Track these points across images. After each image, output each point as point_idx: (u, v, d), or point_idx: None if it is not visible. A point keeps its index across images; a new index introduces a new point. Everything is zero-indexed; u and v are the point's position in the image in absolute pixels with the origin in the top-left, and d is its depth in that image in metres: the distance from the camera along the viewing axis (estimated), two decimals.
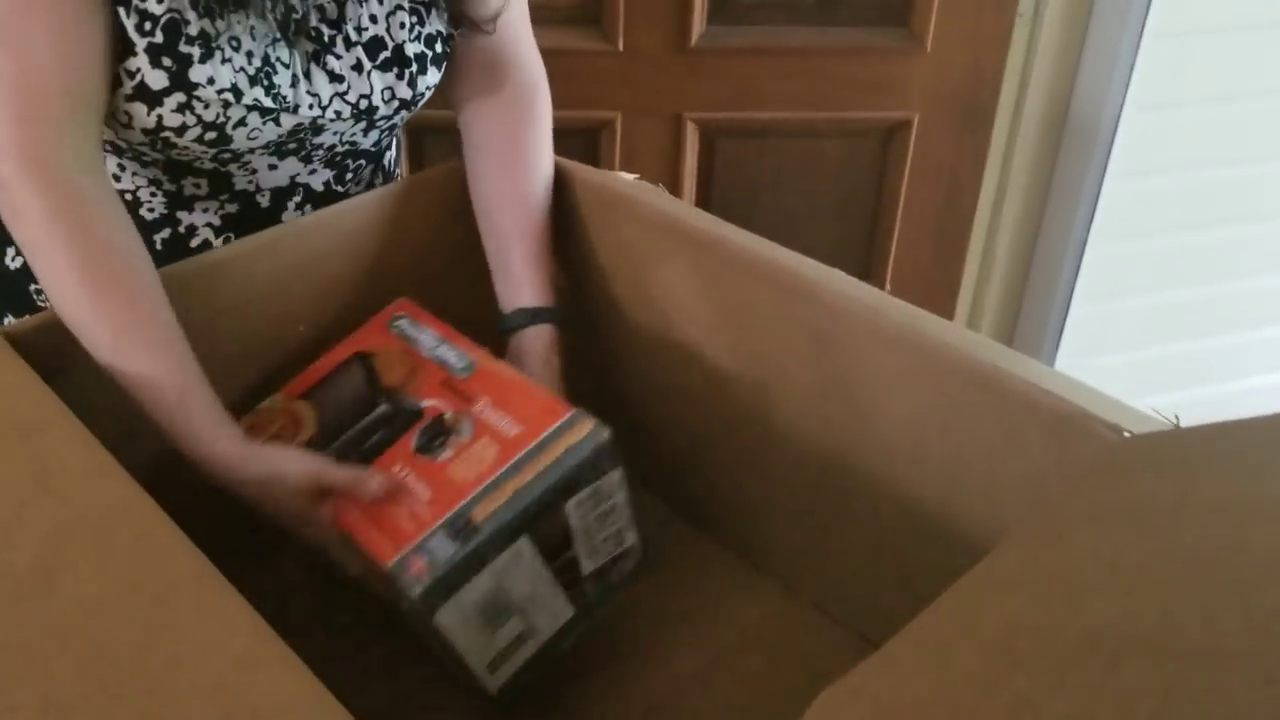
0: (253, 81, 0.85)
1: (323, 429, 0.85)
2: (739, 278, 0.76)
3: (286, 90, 0.87)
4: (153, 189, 0.93)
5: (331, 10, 0.89)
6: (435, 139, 1.47)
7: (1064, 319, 1.72)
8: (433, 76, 0.94)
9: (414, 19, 0.94)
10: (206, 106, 0.84)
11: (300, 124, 0.89)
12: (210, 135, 0.86)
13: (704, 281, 0.79)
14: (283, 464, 0.79)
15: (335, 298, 0.89)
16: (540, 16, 1.35)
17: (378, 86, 0.92)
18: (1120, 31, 1.47)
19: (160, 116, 0.84)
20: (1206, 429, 0.48)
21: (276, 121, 0.88)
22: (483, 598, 0.75)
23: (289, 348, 0.87)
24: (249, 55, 0.85)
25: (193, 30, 0.82)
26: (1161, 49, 1.49)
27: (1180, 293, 1.77)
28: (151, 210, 0.94)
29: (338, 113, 0.91)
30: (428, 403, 0.84)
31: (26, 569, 0.52)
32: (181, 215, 0.95)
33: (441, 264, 0.95)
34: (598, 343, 0.91)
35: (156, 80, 0.82)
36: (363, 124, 0.94)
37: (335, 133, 0.93)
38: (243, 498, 0.79)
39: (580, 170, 0.93)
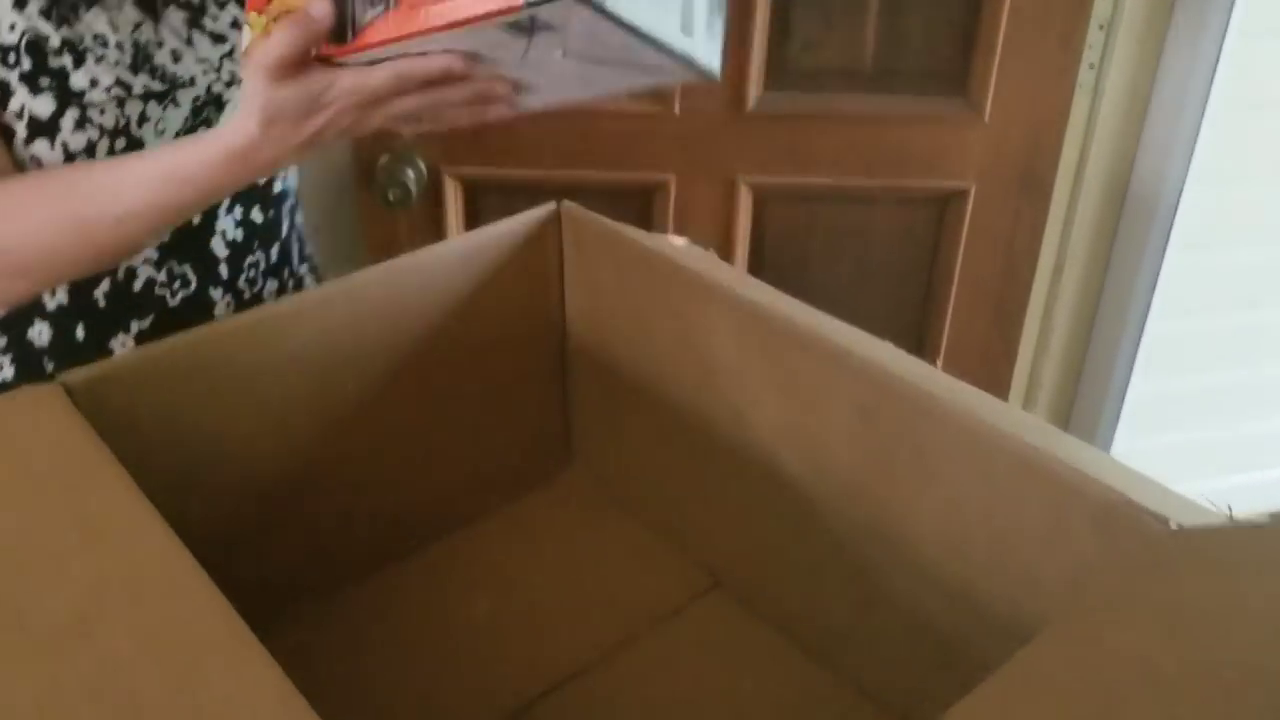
0: (135, 69, 0.86)
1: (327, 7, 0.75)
2: (785, 347, 0.75)
3: (172, 67, 0.87)
4: None
5: None
6: (490, 196, 1.49)
7: (1123, 393, 1.69)
8: None
9: None
10: (102, 112, 0.85)
11: (198, 97, 0.89)
12: (120, 143, 0.86)
13: (749, 350, 0.79)
14: (268, 80, 0.73)
15: (382, 357, 0.89)
16: None
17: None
18: (1183, 102, 1.46)
19: (65, 144, 0.84)
20: (1260, 524, 0.47)
21: (175, 101, 0.88)
22: None
23: (344, 401, 0.87)
24: (119, 47, 0.85)
25: (55, 43, 0.82)
26: (1226, 121, 1.47)
27: (1244, 370, 1.74)
28: None
29: (232, 73, 0.91)
30: None
31: (64, 620, 0.53)
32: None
33: (507, 320, 0.95)
34: (640, 409, 0.91)
35: (43, 106, 0.83)
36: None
37: (228, 99, 0.92)
38: (306, 140, 0.75)
39: (628, 233, 0.94)
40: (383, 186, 1.42)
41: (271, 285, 1.07)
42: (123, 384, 0.71)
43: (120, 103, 0.85)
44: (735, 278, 0.83)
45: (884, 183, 1.44)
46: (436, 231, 1.48)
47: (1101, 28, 1.44)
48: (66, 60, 0.83)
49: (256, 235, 1.02)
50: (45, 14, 0.81)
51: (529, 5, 0.69)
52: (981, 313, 1.51)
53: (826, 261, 1.50)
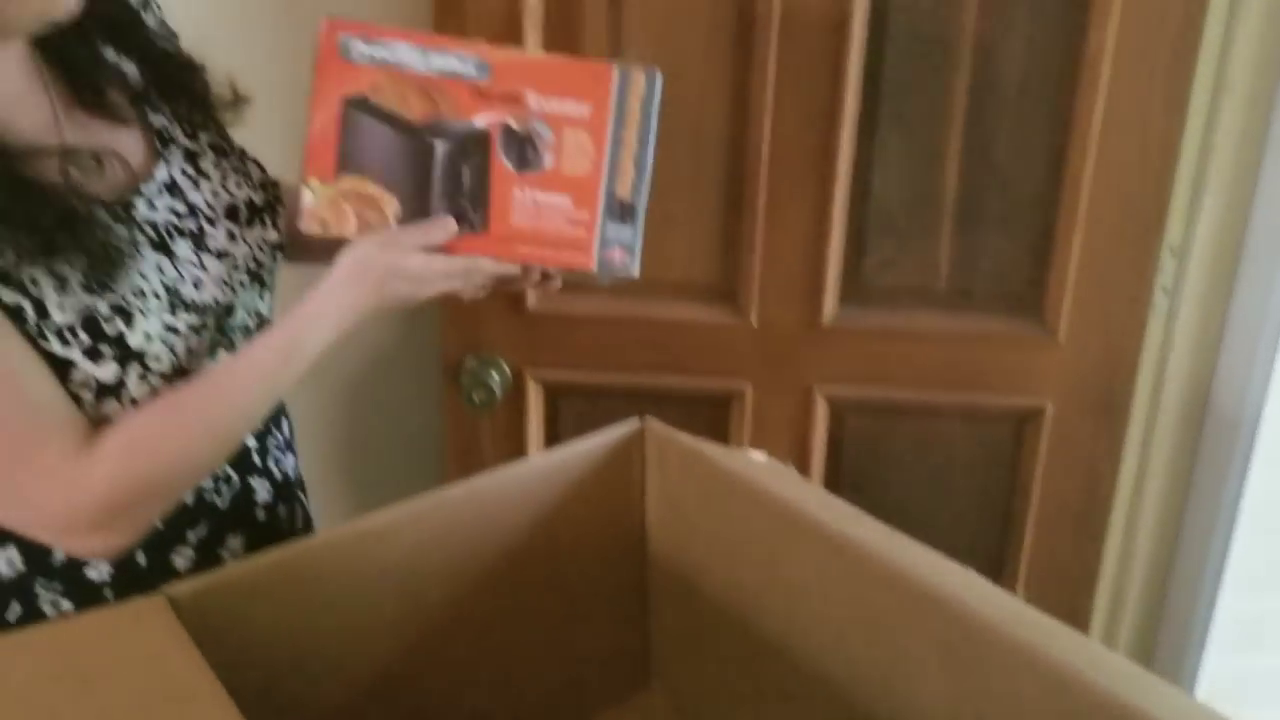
0: (173, 310, 0.91)
1: (400, 194, 0.90)
2: (870, 582, 0.76)
3: (199, 297, 0.94)
4: None
5: (180, 205, 0.96)
6: (571, 399, 1.53)
7: (1210, 614, 1.64)
8: (279, 212, 1.04)
9: (238, 176, 1.03)
10: (159, 360, 0.90)
11: (217, 313, 0.96)
12: (177, 379, 0.92)
13: (834, 582, 0.79)
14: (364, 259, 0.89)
15: (468, 571, 0.91)
16: (676, 292, 1.43)
17: (253, 242, 1.00)
18: (1261, 320, 1.46)
19: (132, 399, 0.89)
20: None
21: (206, 326, 0.95)
22: None
23: (428, 615, 0.88)
24: (156, 295, 0.91)
25: (105, 310, 0.87)
26: None
27: None
28: None
29: (241, 283, 0.99)
30: (480, 121, 0.89)
31: None
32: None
33: (590, 535, 0.97)
34: (721, 633, 0.91)
35: (106, 372, 0.87)
36: (258, 286, 1.02)
37: (243, 307, 1.00)
38: (384, 302, 0.90)
39: (711, 452, 0.96)
40: (468, 388, 1.47)
41: (290, 460, 1.12)
42: (225, 597, 0.74)
43: (171, 347, 0.90)
44: (819, 501, 0.84)
45: (960, 398, 1.45)
46: (518, 434, 1.52)
47: (1173, 253, 1.47)
48: (119, 324, 0.87)
49: (272, 421, 1.09)
50: (86, 288, 0.85)
51: (600, 272, 0.92)
52: (1062, 533, 1.49)
53: (904, 476, 1.50)
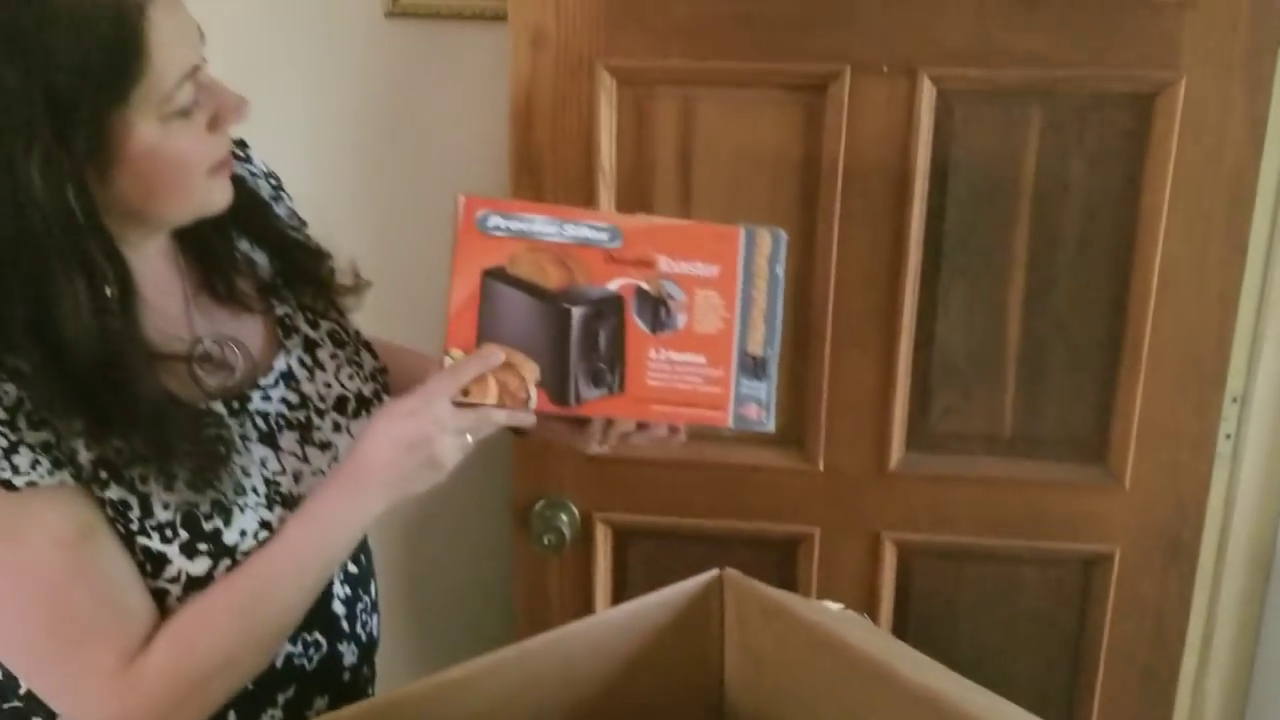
0: (270, 505, 0.94)
1: (539, 360, 0.92)
2: None
3: (296, 489, 0.97)
4: None
5: (293, 397, 1.00)
6: (640, 541, 1.55)
7: None
8: (385, 401, 1.07)
9: (354, 366, 1.06)
10: (247, 554, 0.92)
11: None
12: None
13: None
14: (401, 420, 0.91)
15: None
16: (743, 437, 1.45)
17: (356, 434, 1.01)
18: None
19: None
20: None
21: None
22: None
23: None
24: (255, 491, 0.93)
25: (206, 508, 0.89)
26: None
27: None
28: None
29: None
30: (614, 284, 0.92)
31: None
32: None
33: (668, 685, 0.97)
34: None
35: (199, 567, 0.90)
36: None
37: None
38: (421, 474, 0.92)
39: (789, 603, 0.96)
40: (537, 531, 1.49)
41: (375, 619, 1.14)
42: None
43: (263, 542, 0.93)
44: (900, 653, 0.85)
45: (1027, 544, 1.45)
46: (586, 577, 1.54)
47: (1235, 400, 1.48)
48: (218, 521, 0.90)
49: (358, 583, 1.09)
50: (191, 485, 0.88)
51: (735, 427, 0.96)
52: (1131, 680, 1.47)
53: (972, 621, 1.50)
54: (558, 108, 1.38)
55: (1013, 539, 1.45)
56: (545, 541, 1.48)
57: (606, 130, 1.38)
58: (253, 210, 1.04)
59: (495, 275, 0.93)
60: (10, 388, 0.81)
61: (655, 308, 0.93)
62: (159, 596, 0.90)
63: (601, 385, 0.94)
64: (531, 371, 0.93)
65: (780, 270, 0.95)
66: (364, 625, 1.10)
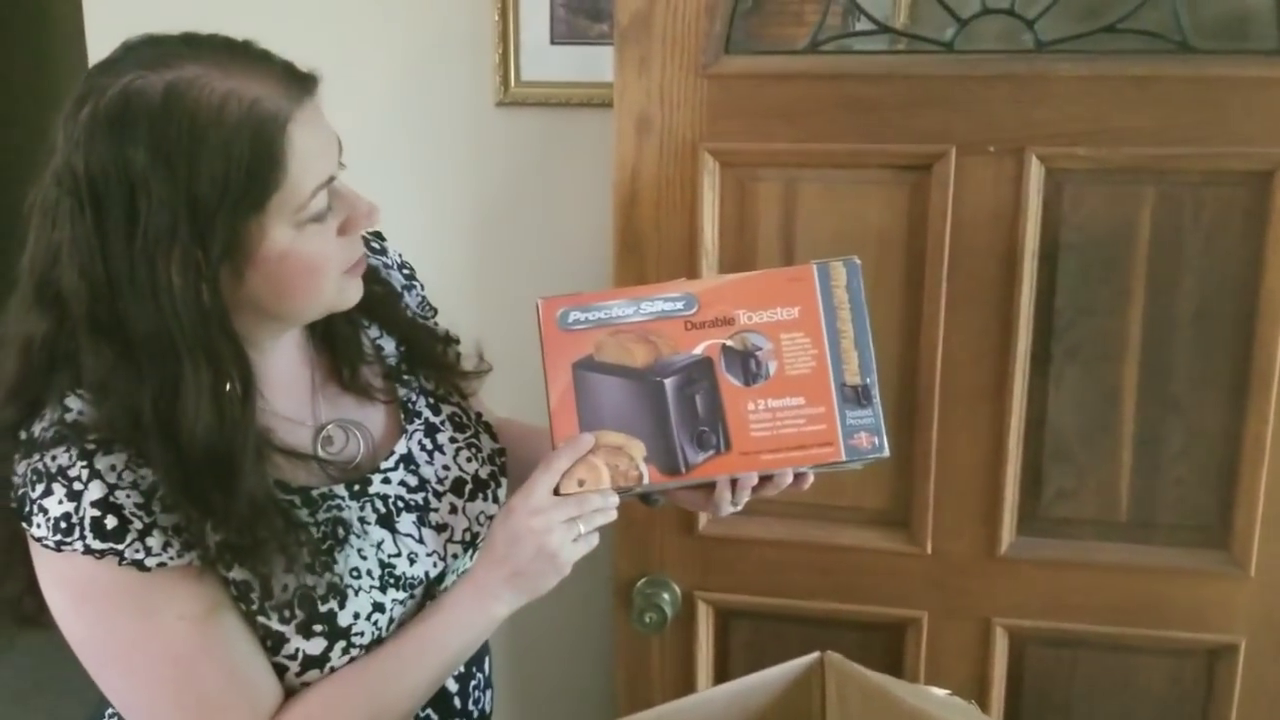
0: (383, 588, 0.96)
1: (644, 436, 0.94)
2: None
3: (410, 570, 0.99)
4: None
5: (411, 479, 1.03)
6: (742, 622, 1.53)
7: None
8: (502, 483, 1.10)
9: (473, 448, 1.09)
10: (363, 635, 0.95)
11: (424, 585, 1.01)
12: (374, 646, 0.97)
13: None
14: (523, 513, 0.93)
15: None
16: (848, 517, 1.44)
17: (473, 515, 1.06)
18: None
19: (332, 667, 0.95)
20: None
21: (414, 596, 1.00)
22: None
23: None
24: (370, 574, 0.95)
25: (321, 591, 0.92)
26: None
27: None
28: None
29: (454, 554, 1.04)
30: (701, 348, 0.94)
31: None
32: None
33: None
34: None
35: (315, 647, 0.93)
36: (470, 552, 1.06)
37: (453, 572, 1.05)
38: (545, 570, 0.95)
39: (892, 688, 0.95)
40: (639, 609, 1.49)
41: (488, 695, 1.16)
42: None
43: (377, 623, 0.96)
44: None
45: (1146, 632, 1.40)
46: (688, 657, 1.52)
47: None
48: (333, 604, 0.93)
49: (473, 661, 1.10)
50: (309, 567, 0.91)
51: (850, 459, 0.95)
52: None
53: (1088, 712, 1.44)
54: (661, 190, 1.41)
55: (1131, 627, 1.40)
56: (646, 620, 1.47)
57: (709, 212, 1.40)
58: (384, 300, 1.09)
59: (585, 365, 0.95)
60: (147, 472, 0.86)
61: (744, 361, 0.94)
62: (279, 672, 0.94)
63: (708, 447, 0.95)
64: (638, 449, 0.95)
65: (861, 296, 0.97)
66: (476, 702, 1.12)
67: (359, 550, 0.96)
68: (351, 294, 0.97)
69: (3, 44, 3.96)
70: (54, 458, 0.85)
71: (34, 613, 0.92)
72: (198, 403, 0.85)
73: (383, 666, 0.95)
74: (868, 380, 0.97)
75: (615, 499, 0.96)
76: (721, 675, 1.54)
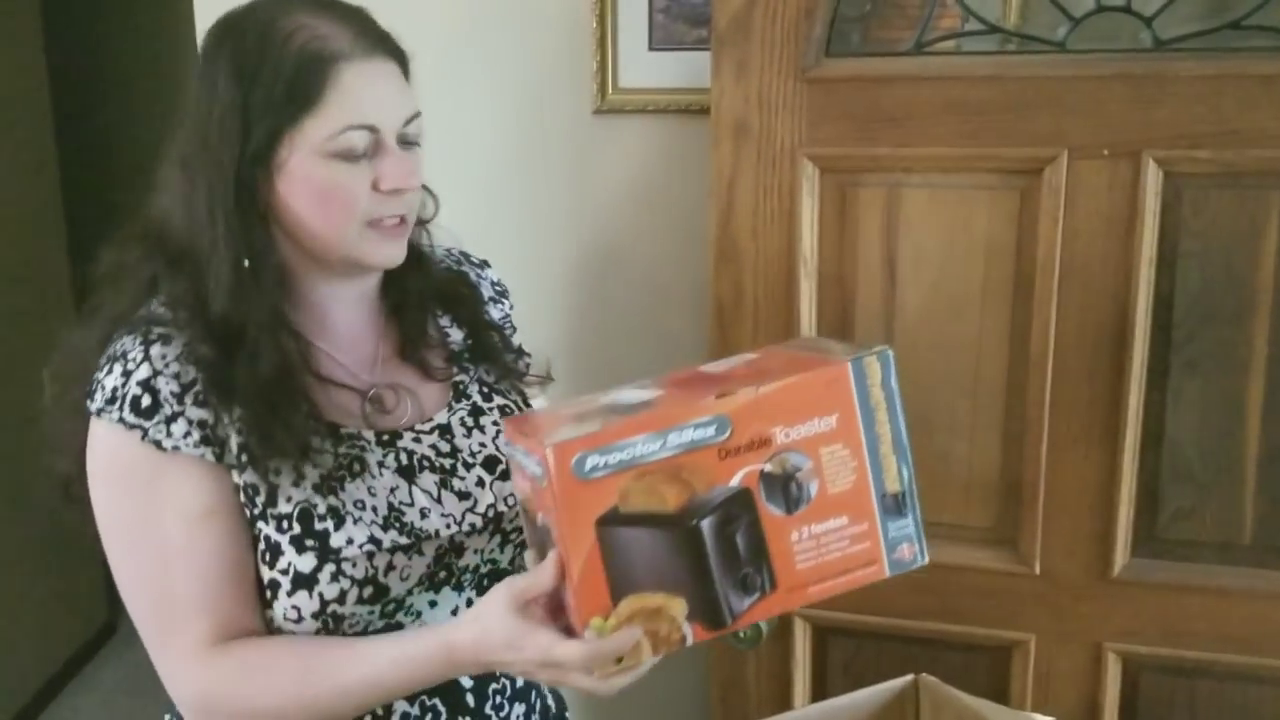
0: (385, 527, 0.99)
1: (683, 591, 0.83)
2: None
3: (420, 523, 1.01)
4: None
5: (444, 445, 1.06)
6: (840, 640, 1.49)
7: None
8: None
9: None
10: (354, 565, 0.97)
11: (441, 546, 1.01)
12: (368, 591, 0.98)
13: None
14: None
15: None
16: (954, 534, 1.39)
17: (500, 494, 1.05)
18: None
19: (321, 594, 0.97)
20: None
21: (419, 551, 1.00)
22: None
23: None
24: (375, 510, 0.99)
25: (321, 510, 0.98)
26: None
27: None
28: None
29: (472, 525, 1.03)
30: (737, 478, 0.83)
31: None
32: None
33: None
34: None
35: (305, 564, 0.97)
36: (497, 537, 1.05)
37: (474, 550, 1.04)
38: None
39: (989, 713, 0.91)
40: None
41: (518, 709, 1.13)
42: None
43: (370, 556, 0.98)
44: None
45: (1271, 663, 1.32)
46: (784, 673, 1.49)
47: None
48: (329, 524, 0.98)
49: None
50: (316, 488, 0.98)
51: (892, 573, 0.89)
52: None
53: None
54: (759, 197, 1.38)
55: (1255, 656, 1.33)
56: (741, 635, 1.45)
57: (808, 219, 1.37)
58: (465, 300, 1.17)
59: (609, 521, 0.82)
60: (191, 369, 0.97)
61: (785, 486, 0.84)
62: (273, 587, 0.99)
63: (753, 591, 0.85)
64: (679, 607, 0.84)
65: (896, 390, 0.86)
66: (498, 709, 1.10)
67: (369, 488, 1.01)
68: (379, 251, 1.02)
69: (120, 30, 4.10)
70: (123, 343, 0.98)
71: (78, 496, 1.01)
72: (219, 276, 0.98)
73: (330, 653, 0.97)
74: (905, 484, 0.88)
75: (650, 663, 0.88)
76: (819, 694, 1.50)
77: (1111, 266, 1.29)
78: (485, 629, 0.89)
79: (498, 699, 1.10)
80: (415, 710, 1.04)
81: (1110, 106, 1.26)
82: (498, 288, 1.23)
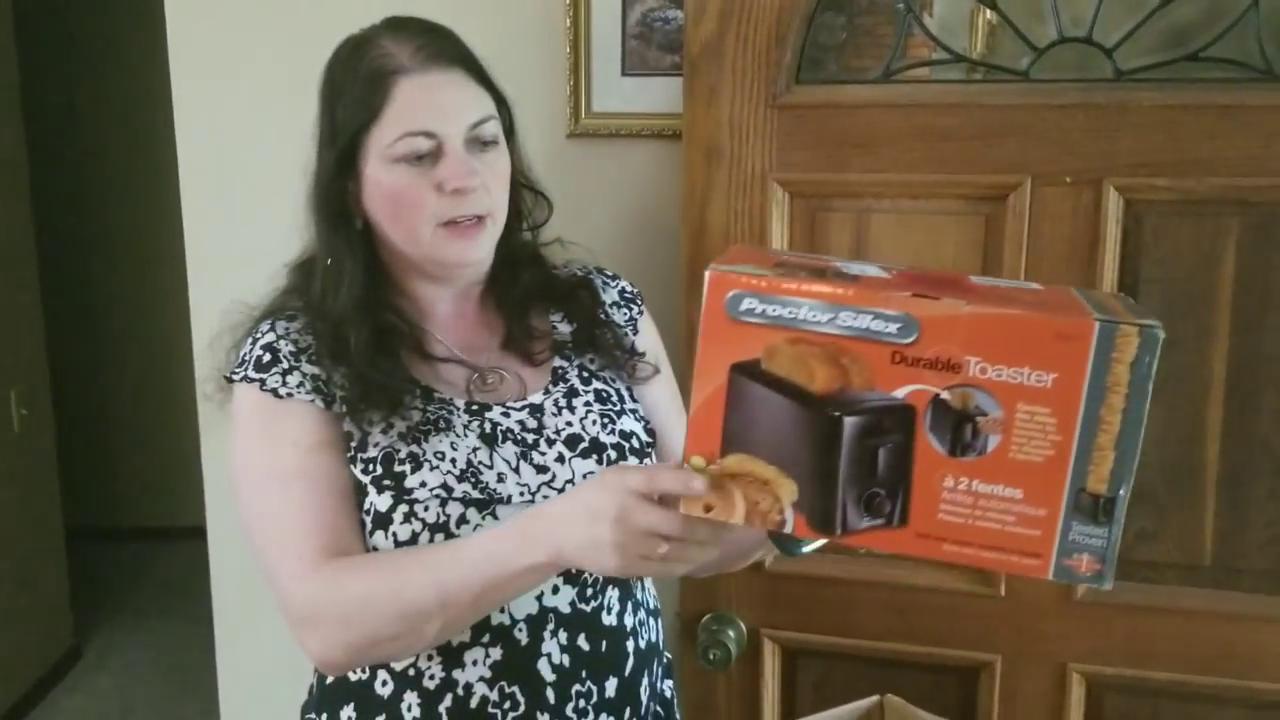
0: (460, 479, 1.05)
1: (799, 478, 0.75)
2: None
3: (495, 485, 1.05)
4: (428, 652, 1.06)
5: (531, 422, 1.12)
6: (809, 661, 1.50)
7: None
8: (627, 461, 1.12)
9: (606, 420, 1.14)
10: (426, 509, 1.03)
11: (514, 513, 1.02)
12: (439, 538, 1.03)
13: None
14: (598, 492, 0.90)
15: None
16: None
17: (579, 471, 1.09)
18: None
19: (395, 534, 1.04)
20: None
21: (494, 514, 1.04)
22: None
23: None
24: (453, 462, 1.07)
25: (403, 454, 1.06)
26: None
27: None
28: (431, 678, 1.08)
29: (545, 498, 1.06)
30: (905, 391, 0.71)
31: None
32: (456, 675, 1.07)
33: None
34: None
35: (383, 503, 1.04)
36: None
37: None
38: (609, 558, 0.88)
39: None
40: (704, 646, 1.47)
41: None
42: None
43: (442, 502, 1.04)
44: None
45: (1233, 683, 1.34)
46: (754, 694, 1.50)
47: None
48: (407, 467, 1.05)
49: (584, 665, 1.08)
50: (403, 436, 1.06)
51: (1057, 579, 0.75)
52: None
53: None
54: (731, 221, 1.40)
55: (1216, 677, 1.34)
56: (711, 657, 1.45)
57: (778, 242, 1.39)
58: (575, 297, 1.24)
59: (747, 371, 0.75)
60: (308, 338, 1.11)
61: (958, 424, 0.72)
62: (363, 527, 1.06)
63: (877, 515, 0.76)
64: (788, 491, 0.77)
65: (1148, 381, 0.71)
66: (582, 713, 1.09)
67: (451, 443, 1.08)
68: (453, 250, 1.10)
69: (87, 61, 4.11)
70: (259, 325, 1.13)
71: None
72: (317, 270, 1.12)
73: (420, 554, 1.02)
74: (1118, 492, 0.74)
75: (717, 548, 0.86)
76: (788, 715, 1.51)
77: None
78: (572, 492, 0.95)
79: (581, 703, 1.09)
80: (495, 695, 1.07)
81: (1073, 135, 1.29)
82: (626, 295, 1.28)
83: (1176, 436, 1.33)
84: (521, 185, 1.20)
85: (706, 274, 0.75)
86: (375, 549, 1.05)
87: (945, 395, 0.71)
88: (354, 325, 1.09)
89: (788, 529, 0.78)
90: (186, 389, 1.85)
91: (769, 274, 0.74)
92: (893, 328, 0.71)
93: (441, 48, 1.11)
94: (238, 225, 1.75)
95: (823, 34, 1.40)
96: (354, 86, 1.09)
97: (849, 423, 0.73)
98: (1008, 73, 1.35)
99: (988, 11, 1.39)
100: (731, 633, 1.47)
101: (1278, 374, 1.29)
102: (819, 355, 0.73)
